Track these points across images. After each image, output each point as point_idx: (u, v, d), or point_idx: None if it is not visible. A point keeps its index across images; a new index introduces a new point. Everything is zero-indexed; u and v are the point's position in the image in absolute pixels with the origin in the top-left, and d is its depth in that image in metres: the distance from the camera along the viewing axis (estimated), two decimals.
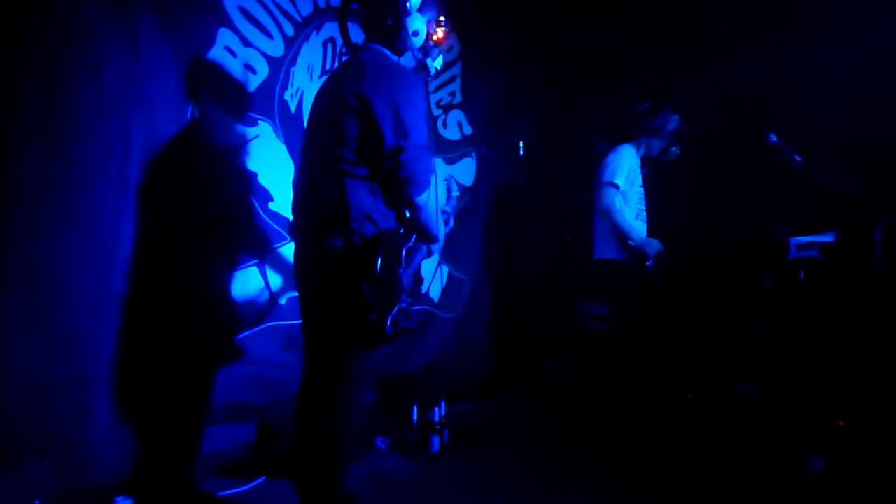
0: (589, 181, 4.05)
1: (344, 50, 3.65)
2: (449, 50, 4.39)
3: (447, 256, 4.42)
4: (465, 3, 4.44)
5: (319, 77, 3.50)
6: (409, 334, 2.16)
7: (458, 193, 2.84)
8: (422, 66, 2.27)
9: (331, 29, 3.55)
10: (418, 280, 2.28)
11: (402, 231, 2.10)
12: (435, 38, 2.24)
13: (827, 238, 3.55)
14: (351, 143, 2.02)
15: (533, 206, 5.18)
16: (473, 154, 4.65)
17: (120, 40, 2.60)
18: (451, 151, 4.48)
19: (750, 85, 4.22)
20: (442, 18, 2.27)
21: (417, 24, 2.16)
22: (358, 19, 2.28)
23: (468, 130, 4.60)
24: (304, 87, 3.41)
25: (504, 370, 4.81)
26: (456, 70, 4.48)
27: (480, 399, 4.52)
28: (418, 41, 2.18)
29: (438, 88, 4.35)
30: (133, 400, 2.63)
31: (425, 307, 4.25)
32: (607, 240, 3.71)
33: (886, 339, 3.33)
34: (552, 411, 4.27)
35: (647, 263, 3.59)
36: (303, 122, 3.43)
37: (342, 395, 2.17)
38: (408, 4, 2.12)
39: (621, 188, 3.63)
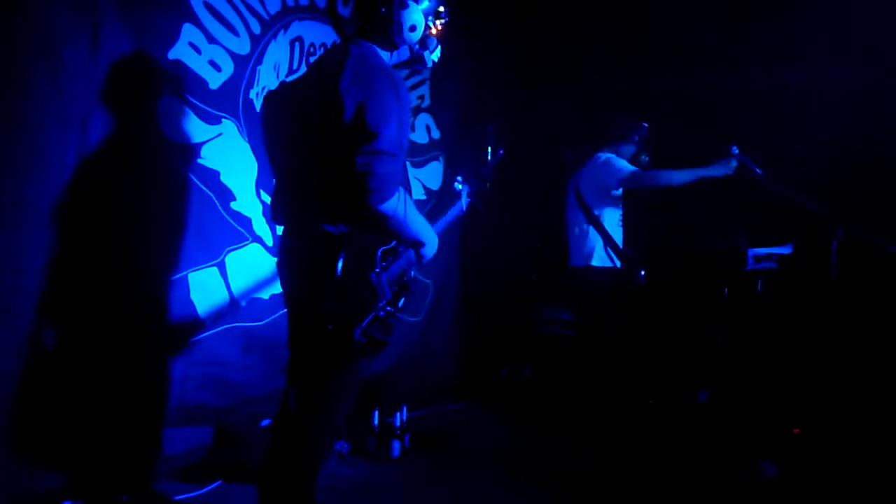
0: (558, 188, 4.10)
1: (313, 50, 3.63)
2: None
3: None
4: None
5: (286, 76, 3.46)
6: (384, 347, 2.04)
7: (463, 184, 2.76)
8: (418, 60, 2.14)
9: (299, 28, 3.52)
10: (403, 287, 2.12)
11: (365, 232, 1.98)
12: (433, 31, 2.07)
13: (785, 250, 3.63)
14: (322, 141, 1.94)
15: (499, 211, 5.19)
16: (440, 158, 4.64)
17: (80, 32, 2.53)
18: (418, 155, 4.47)
19: (712, 95, 4.30)
20: (442, 9, 2.07)
21: (415, 16, 1.99)
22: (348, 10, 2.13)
23: (436, 134, 4.59)
24: (270, 85, 3.37)
25: (467, 375, 4.81)
26: (425, 73, 4.47)
27: (443, 404, 4.51)
28: (415, 36, 2.03)
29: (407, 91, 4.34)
30: (82, 402, 2.56)
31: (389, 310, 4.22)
32: (594, 248, 3.72)
33: (840, 348, 3.41)
34: (515, 417, 4.28)
35: (640, 275, 3.65)
36: None
37: (318, 408, 2.08)
38: None
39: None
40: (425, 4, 2.04)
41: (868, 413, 3.28)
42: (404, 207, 1.91)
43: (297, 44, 3.52)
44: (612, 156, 3.76)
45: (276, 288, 3.39)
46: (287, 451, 2.07)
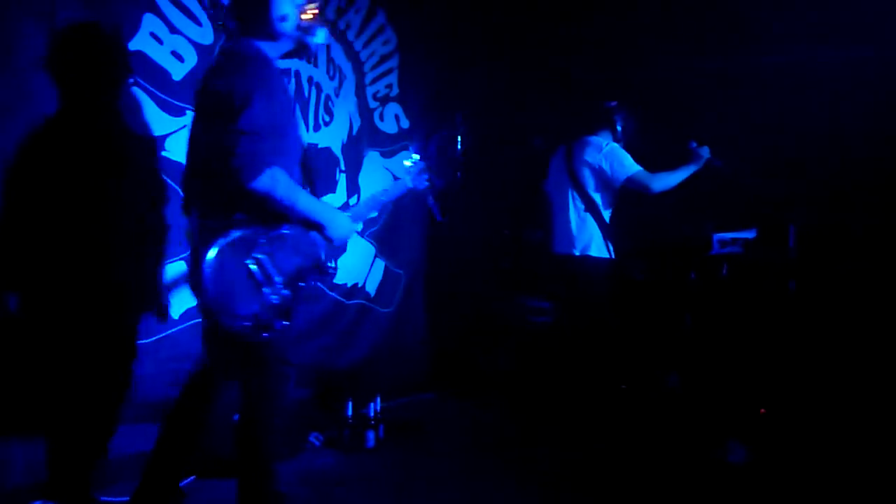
0: (531, 175, 4.09)
1: None
2: (386, 42, 4.35)
3: (384, 251, 4.39)
4: None
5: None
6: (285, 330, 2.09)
7: (418, 161, 2.74)
8: (302, 47, 2.23)
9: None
10: (309, 271, 2.20)
11: (246, 221, 2.03)
12: (307, 15, 2.17)
13: (749, 234, 3.69)
14: (206, 134, 2.08)
15: (471, 199, 5.19)
16: (411, 147, 4.62)
17: (35, 20, 2.48)
18: (388, 145, 4.45)
19: (673, 85, 4.34)
20: None
21: (284, 7, 2.11)
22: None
23: (405, 124, 4.58)
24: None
25: (441, 365, 4.83)
26: (393, 62, 4.44)
27: (417, 394, 4.53)
28: (289, 24, 2.12)
29: (375, 80, 4.31)
30: (47, 399, 2.51)
31: (361, 301, 4.22)
32: (592, 236, 3.66)
33: (803, 329, 3.50)
34: (488, 406, 4.30)
35: (638, 270, 3.69)
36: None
37: (253, 403, 2.21)
38: None
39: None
40: None
41: (831, 392, 3.37)
42: (283, 187, 1.99)
43: None
44: (615, 146, 3.66)
45: None
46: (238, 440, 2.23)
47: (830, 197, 3.74)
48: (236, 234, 1.99)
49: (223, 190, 1.97)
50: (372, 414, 3.48)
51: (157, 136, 2.97)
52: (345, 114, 4.08)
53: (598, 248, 3.65)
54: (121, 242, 2.71)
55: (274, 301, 2.03)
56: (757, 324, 3.62)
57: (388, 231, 4.40)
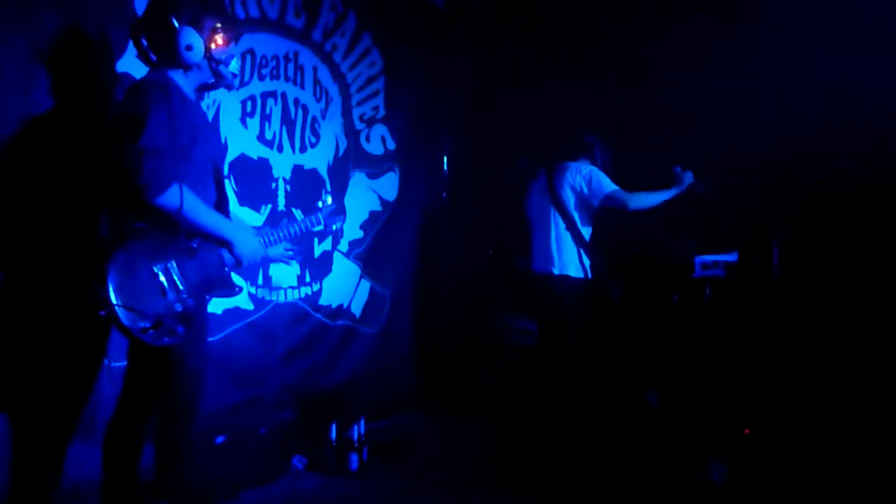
0: (514, 195, 4.14)
1: (265, 62, 3.61)
2: (372, 65, 4.39)
3: (369, 271, 4.39)
4: (390, 17, 4.46)
5: (237, 89, 3.42)
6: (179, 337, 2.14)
7: (331, 204, 2.85)
8: (218, 75, 2.34)
9: (250, 40, 3.48)
10: (212, 284, 2.29)
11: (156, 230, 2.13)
12: (215, 44, 2.28)
13: (730, 257, 3.74)
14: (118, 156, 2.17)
15: (455, 220, 5.22)
16: (396, 169, 4.65)
17: (20, 42, 2.48)
18: (374, 166, 4.46)
19: (658, 107, 4.39)
20: (218, 25, 2.28)
21: (189, 38, 2.21)
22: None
23: (391, 145, 4.60)
24: (221, 98, 3.33)
25: (426, 385, 4.82)
26: (379, 84, 4.48)
27: (402, 415, 4.51)
28: (196, 55, 2.23)
29: (361, 103, 4.34)
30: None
31: (346, 322, 4.21)
32: (571, 257, 3.75)
33: (787, 350, 3.53)
34: (474, 426, 4.29)
35: (616, 291, 3.74)
36: (219, 134, 3.35)
37: (135, 411, 2.28)
38: (174, 23, 2.18)
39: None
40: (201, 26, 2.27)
41: (815, 412, 3.40)
42: (188, 204, 2.11)
43: (248, 56, 3.49)
44: (595, 169, 3.79)
45: (230, 302, 3.36)
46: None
47: (814, 218, 3.77)
48: (146, 239, 2.10)
49: (132, 203, 2.11)
50: (356, 436, 3.46)
51: None
52: (331, 135, 4.10)
53: (575, 268, 3.75)
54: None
55: (177, 308, 2.12)
56: (740, 346, 3.65)
57: (373, 252, 4.41)
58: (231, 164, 3.44)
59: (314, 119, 3.95)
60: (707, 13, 4.09)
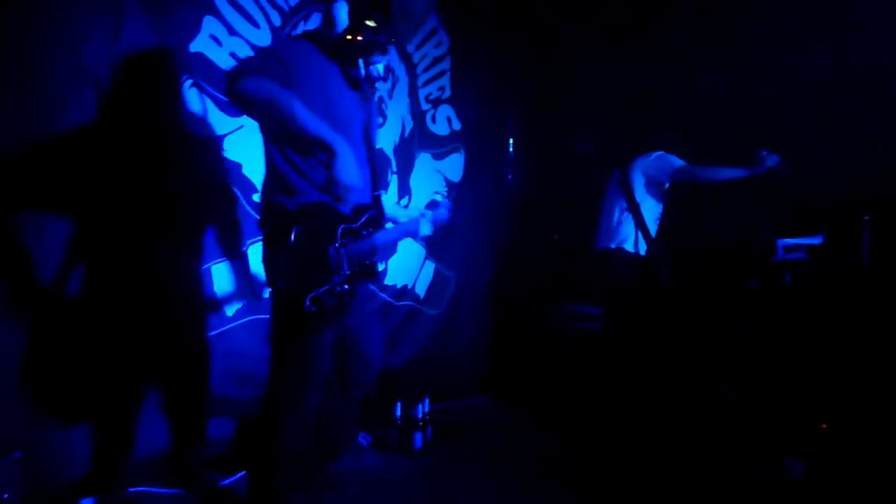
0: (582, 181, 4.09)
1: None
2: (438, 45, 4.35)
3: (434, 253, 4.38)
4: None
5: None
6: (336, 315, 2.15)
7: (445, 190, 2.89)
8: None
9: (319, 19, 3.50)
10: (367, 271, 2.26)
11: (333, 208, 2.15)
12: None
13: (815, 240, 3.55)
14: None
15: (521, 202, 5.16)
16: (462, 150, 4.61)
17: (101, 27, 2.55)
18: (439, 147, 4.44)
19: (739, 88, 4.20)
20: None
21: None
22: None
23: (457, 126, 4.56)
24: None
25: (493, 368, 4.79)
26: (446, 65, 4.44)
27: (466, 397, 4.50)
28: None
29: (428, 83, 4.31)
30: (103, 396, 2.58)
31: (411, 303, 4.22)
32: (629, 235, 3.81)
33: (871, 342, 3.33)
34: (539, 412, 4.25)
35: (664, 271, 3.68)
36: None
37: (276, 389, 2.18)
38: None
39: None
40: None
41: None
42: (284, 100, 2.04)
43: None
44: (664, 152, 3.81)
45: None
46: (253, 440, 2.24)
47: None
48: (323, 218, 2.12)
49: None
50: (420, 415, 3.47)
51: (216, 136, 3.02)
52: (397, 115, 4.09)
53: (631, 245, 3.82)
54: (181, 241, 2.78)
55: (336, 290, 2.10)
56: (820, 335, 3.47)
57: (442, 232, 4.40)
58: None
59: (381, 99, 3.94)
60: None
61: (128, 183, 2.62)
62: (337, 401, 2.50)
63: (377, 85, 2.31)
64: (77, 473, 2.53)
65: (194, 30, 2.92)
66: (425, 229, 2.69)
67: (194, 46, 2.92)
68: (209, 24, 2.97)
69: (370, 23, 2.22)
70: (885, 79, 3.64)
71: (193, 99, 2.92)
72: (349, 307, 2.18)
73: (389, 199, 4.01)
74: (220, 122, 3.04)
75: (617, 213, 3.88)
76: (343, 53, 2.26)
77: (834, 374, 3.39)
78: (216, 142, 3.03)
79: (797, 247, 3.56)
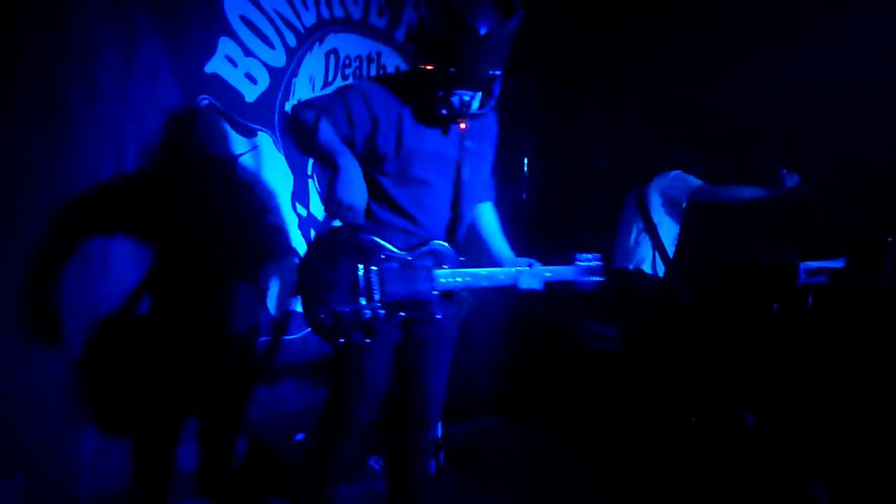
0: (598, 196, 4.07)
1: (348, 62, 3.62)
2: None
3: None
4: None
5: (321, 89, 3.45)
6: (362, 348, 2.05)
7: None
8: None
9: (334, 40, 3.51)
10: (412, 307, 2.09)
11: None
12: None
13: (837, 264, 3.49)
14: None
15: (535, 221, 5.12)
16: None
17: (116, 47, 2.57)
18: None
19: (762, 99, 4.15)
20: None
21: None
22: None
23: None
24: (305, 98, 3.36)
25: (506, 390, 4.73)
26: None
27: (480, 419, 4.43)
28: None
29: None
30: (117, 413, 2.57)
31: None
32: (647, 256, 3.81)
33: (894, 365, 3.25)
34: (555, 435, 4.17)
35: (684, 293, 3.64)
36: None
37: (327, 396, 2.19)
38: None
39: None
40: None
41: None
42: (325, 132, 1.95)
43: (332, 56, 3.52)
44: (681, 171, 3.80)
45: None
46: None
47: None
48: (365, 236, 2.03)
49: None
50: (433, 439, 3.41)
51: (231, 156, 3.02)
52: None
53: (649, 266, 3.81)
54: (195, 261, 2.78)
55: (365, 315, 2.00)
56: (843, 359, 3.39)
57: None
58: (315, 165, 3.47)
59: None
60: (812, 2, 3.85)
61: (145, 204, 2.62)
62: (400, 432, 2.36)
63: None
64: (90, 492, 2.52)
65: (210, 51, 2.93)
66: (528, 283, 2.35)
67: (210, 67, 2.93)
68: (224, 45, 2.98)
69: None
70: None
71: (209, 120, 2.93)
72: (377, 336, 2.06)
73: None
74: (234, 142, 3.04)
75: (634, 234, 3.86)
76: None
77: (858, 397, 3.31)
78: (231, 162, 3.03)
79: (819, 270, 3.49)
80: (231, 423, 3.03)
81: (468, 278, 2.19)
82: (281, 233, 3.27)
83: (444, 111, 1.99)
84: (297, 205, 3.36)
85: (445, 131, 2.10)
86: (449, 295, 2.21)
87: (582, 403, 4.27)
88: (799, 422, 3.43)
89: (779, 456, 3.35)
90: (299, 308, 3.26)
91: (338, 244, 2.00)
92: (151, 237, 2.68)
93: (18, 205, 2.33)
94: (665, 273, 3.76)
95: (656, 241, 3.78)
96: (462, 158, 2.14)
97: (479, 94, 2.04)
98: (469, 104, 2.00)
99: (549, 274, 2.37)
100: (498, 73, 2.00)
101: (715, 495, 3.12)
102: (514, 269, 2.30)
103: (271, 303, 3.23)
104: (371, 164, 2.06)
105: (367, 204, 2.04)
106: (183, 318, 2.80)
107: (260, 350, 3.18)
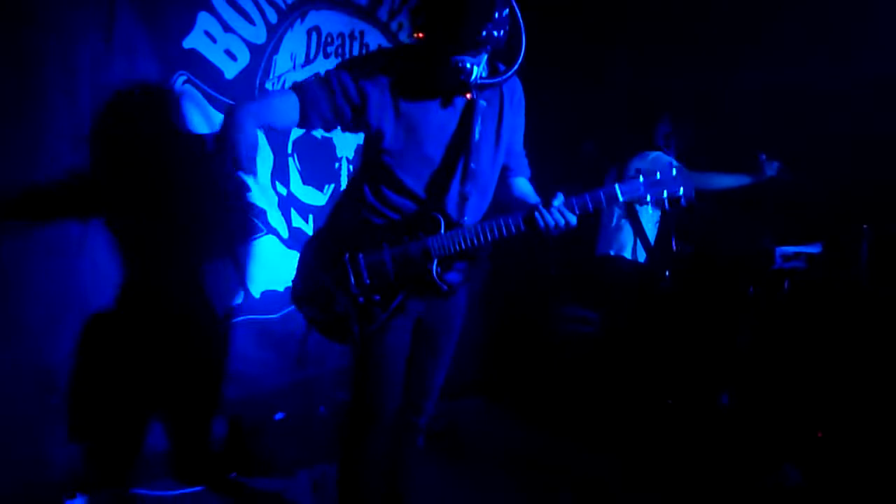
0: (579, 181, 4.05)
1: (330, 40, 3.58)
2: None
3: None
4: None
5: (303, 66, 3.41)
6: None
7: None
8: None
9: (316, 17, 3.46)
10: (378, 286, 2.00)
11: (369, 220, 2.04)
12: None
13: (814, 249, 3.53)
14: None
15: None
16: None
17: (95, 22, 2.53)
18: None
19: (743, 93, 4.17)
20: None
21: None
22: None
23: None
24: (287, 76, 3.32)
25: (484, 372, 4.75)
26: None
27: (458, 400, 4.46)
28: None
29: None
30: (92, 395, 2.56)
31: None
32: (627, 241, 3.80)
33: (869, 350, 3.31)
34: (531, 416, 4.21)
35: (665, 277, 3.65)
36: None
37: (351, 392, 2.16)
38: None
39: None
40: None
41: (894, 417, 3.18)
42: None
43: (314, 33, 3.47)
44: (660, 153, 3.76)
45: (290, 280, 3.36)
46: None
47: None
48: (356, 223, 2.02)
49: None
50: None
51: (209, 134, 2.99)
52: None
53: (630, 252, 3.80)
54: (173, 240, 2.76)
55: (359, 301, 1.97)
56: (818, 343, 3.45)
57: None
58: (295, 143, 3.44)
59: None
60: None
61: (122, 182, 2.59)
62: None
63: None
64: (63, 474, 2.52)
65: (188, 26, 2.88)
66: (552, 219, 1.95)
67: (188, 43, 2.88)
68: (203, 20, 2.93)
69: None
70: (889, 85, 3.61)
71: (187, 96, 2.89)
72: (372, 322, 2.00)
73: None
74: (213, 119, 3.00)
75: (615, 218, 3.86)
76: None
77: (832, 382, 3.37)
78: (210, 139, 2.99)
79: (796, 255, 3.53)
80: (204, 401, 3.02)
81: (467, 234, 1.94)
82: (260, 212, 3.25)
83: (444, 80, 1.88)
84: (277, 183, 3.33)
85: (446, 103, 1.98)
86: (451, 264, 2.02)
87: (561, 385, 4.31)
88: (773, 404, 3.49)
89: (753, 437, 3.41)
90: (278, 287, 3.31)
91: (321, 242, 2.02)
92: (128, 216, 2.65)
93: None
94: (646, 259, 3.77)
95: (637, 226, 3.78)
96: (472, 132, 1.98)
97: (481, 60, 1.88)
98: (469, 71, 1.84)
99: (582, 203, 1.97)
100: (496, 34, 1.81)
101: (690, 476, 3.17)
102: (526, 211, 1.95)
103: (251, 282, 3.21)
104: (369, 145, 2.01)
105: (372, 187, 2.01)
106: (159, 298, 2.78)
107: (238, 329, 3.17)
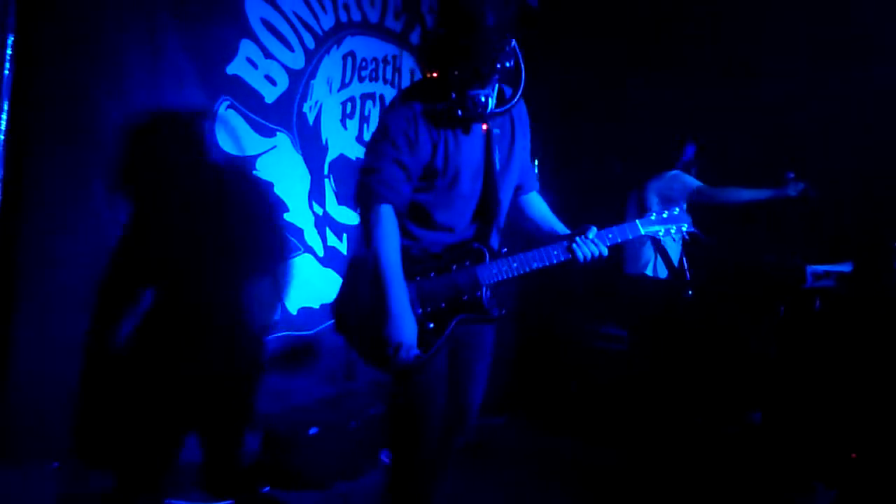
0: (606, 197, 4.11)
1: (364, 64, 3.69)
2: None
3: None
4: None
5: (338, 90, 3.52)
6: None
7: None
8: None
9: (351, 43, 3.58)
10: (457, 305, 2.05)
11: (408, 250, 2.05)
12: None
13: (844, 268, 3.51)
14: None
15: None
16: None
17: (142, 51, 2.64)
18: None
19: (768, 109, 4.18)
20: None
21: None
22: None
23: None
24: (323, 99, 3.43)
25: (513, 389, 4.76)
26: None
27: (488, 417, 4.47)
28: None
29: None
30: (130, 406, 2.64)
31: None
32: (649, 259, 3.82)
33: None
34: (560, 433, 4.21)
35: (687, 293, 3.65)
36: (320, 135, 3.46)
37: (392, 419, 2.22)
38: None
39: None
40: None
41: None
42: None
43: (349, 58, 3.58)
44: (679, 171, 3.81)
45: (326, 297, 3.44)
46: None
47: None
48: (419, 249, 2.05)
49: None
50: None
51: (249, 156, 3.09)
52: None
53: (652, 269, 3.83)
54: (214, 259, 2.84)
55: (428, 326, 2.00)
56: (849, 362, 3.42)
57: None
58: (331, 164, 3.54)
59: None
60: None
61: (163, 202, 2.69)
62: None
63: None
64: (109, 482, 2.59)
65: (232, 53, 3.00)
66: (587, 250, 2.11)
67: (231, 69, 3.00)
68: (246, 48, 3.05)
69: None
70: None
71: (230, 120, 3.00)
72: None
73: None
74: (253, 142, 3.11)
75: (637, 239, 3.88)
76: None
77: (863, 401, 3.34)
78: (249, 162, 3.10)
79: (826, 274, 3.52)
80: (239, 416, 3.08)
81: (514, 264, 2.07)
82: (297, 231, 3.34)
83: (459, 113, 1.92)
84: (314, 203, 3.43)
85: (469, 134, 2.03)
86: (496, 290, 2.10)
87: (588, 402, 4.31)
88: (806, 423, 3.46)
89: (784, 456, 3.38)
90: (314, 304, 3.39)
91: (366, 271, 1.97)
92: (174, 235, 2.74)
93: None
94: (668, 276, 3.78)
95: (657, 244, 3.79)
96: (493, 162, 2.06)
97: (494, 91, 1.96)
98: (485, 104, 1.91)
99: (611, 235, 2.14)
100: (508, 65, 1.92)
101: (720, 495, 3.15)
102: (565, 242, 2.11)
103: (287, 299, 3.29)
104: (419, 186, 2.03)
105: (405, 224, 2.03)
106: (200, 314, 2.86)
107: (275, 345, 3.24)
